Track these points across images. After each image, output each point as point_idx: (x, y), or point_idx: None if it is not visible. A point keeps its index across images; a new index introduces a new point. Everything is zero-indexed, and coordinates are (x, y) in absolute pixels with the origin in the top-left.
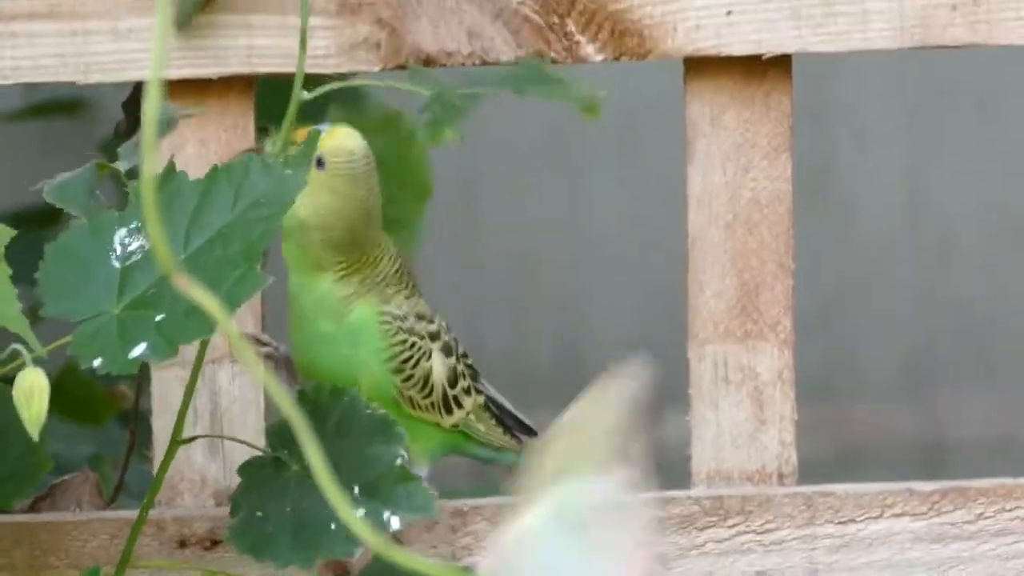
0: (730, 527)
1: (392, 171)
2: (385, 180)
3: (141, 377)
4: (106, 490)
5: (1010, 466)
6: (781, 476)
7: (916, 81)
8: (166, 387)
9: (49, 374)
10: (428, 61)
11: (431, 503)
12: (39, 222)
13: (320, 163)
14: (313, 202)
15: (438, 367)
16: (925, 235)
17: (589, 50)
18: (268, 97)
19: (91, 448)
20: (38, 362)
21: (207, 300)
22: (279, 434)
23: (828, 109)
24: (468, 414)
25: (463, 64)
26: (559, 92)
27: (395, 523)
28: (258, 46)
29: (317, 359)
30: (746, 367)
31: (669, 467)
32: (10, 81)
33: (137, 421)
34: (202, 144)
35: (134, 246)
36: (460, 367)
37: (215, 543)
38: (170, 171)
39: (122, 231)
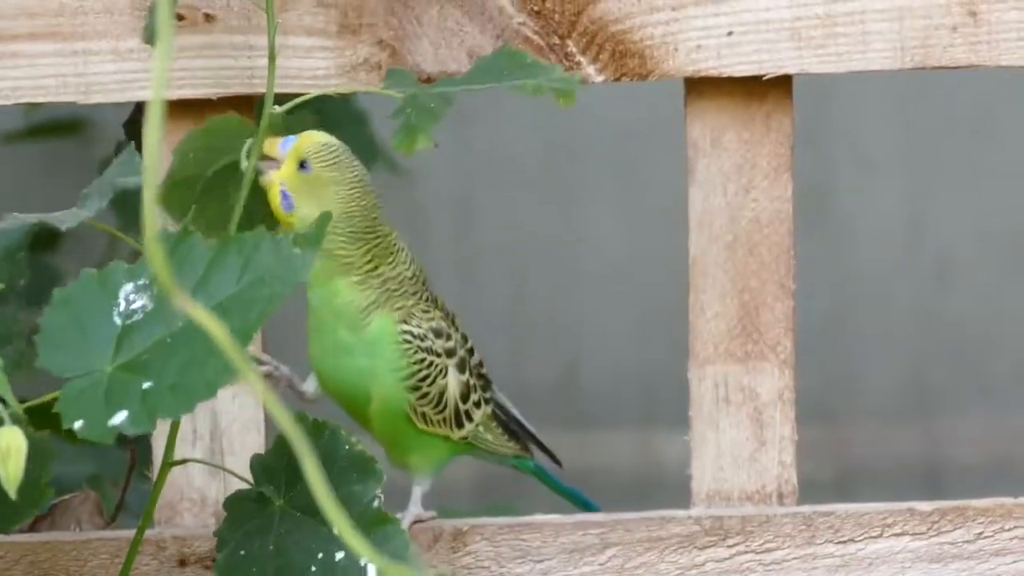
0: (730, 547)
1: None
2: None
3: None
4: (107, 509)
5: (1008, 487)
6: (781, 496)
7: (916, 104)
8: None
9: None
10: (429, 81)
11: (406, 549)
12: (40, 245)
13: (304, 165)
14: (314, 202)
15: (452, 384)
16: (924, 257)
17: (590, 71)
18: None
19: (91, 468)
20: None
21: (212, 324)
22: (264, 467)
23: (828, 132)
24: (477, 426)
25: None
26: (536, 77)
27: (371, 572)
28: (259, 67)
29: (336, 369)
30: (746, 388)
31: (669, 487)
32: (11, 101)
33: (138, 440)
34: None
35: (137, 304)
36: (473, 380)
37: (215, 562)
38: (186, 231)
39: (128, 286)
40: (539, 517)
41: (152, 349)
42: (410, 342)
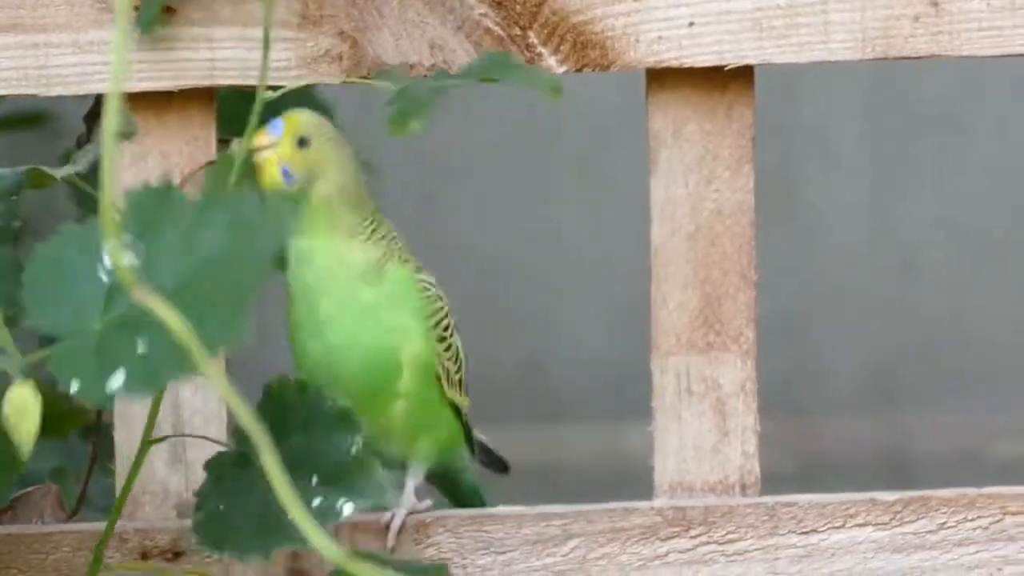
0: (692, 538)
1: None
2: None
3: None
4: (68, 503)
5: (973, 478)
6: (744, 487)
7: (881, 97)
8: (127, 399)
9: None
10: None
11: (383, 491)
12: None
13: (304, 142)
14: (317, 175)
15: (457, 338)
16: (889, 249)
17: (551, 62)
18: (230, 109)
19: (54, 461)
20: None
21: (167, 313)
22: (243, 432)
23: (794, 125)
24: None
25: (425, 76)
26: (523, 78)
27: (347, 510)
28: (220, 58)
29: (357, 336)
30: (709, 378)
31: (637, 479)
32: None
33: (99, 433)
34: (164, 156)
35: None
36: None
37: (177, 555)
38: (167, 187)
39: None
40: (502, 509)
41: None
42: (428, 289)
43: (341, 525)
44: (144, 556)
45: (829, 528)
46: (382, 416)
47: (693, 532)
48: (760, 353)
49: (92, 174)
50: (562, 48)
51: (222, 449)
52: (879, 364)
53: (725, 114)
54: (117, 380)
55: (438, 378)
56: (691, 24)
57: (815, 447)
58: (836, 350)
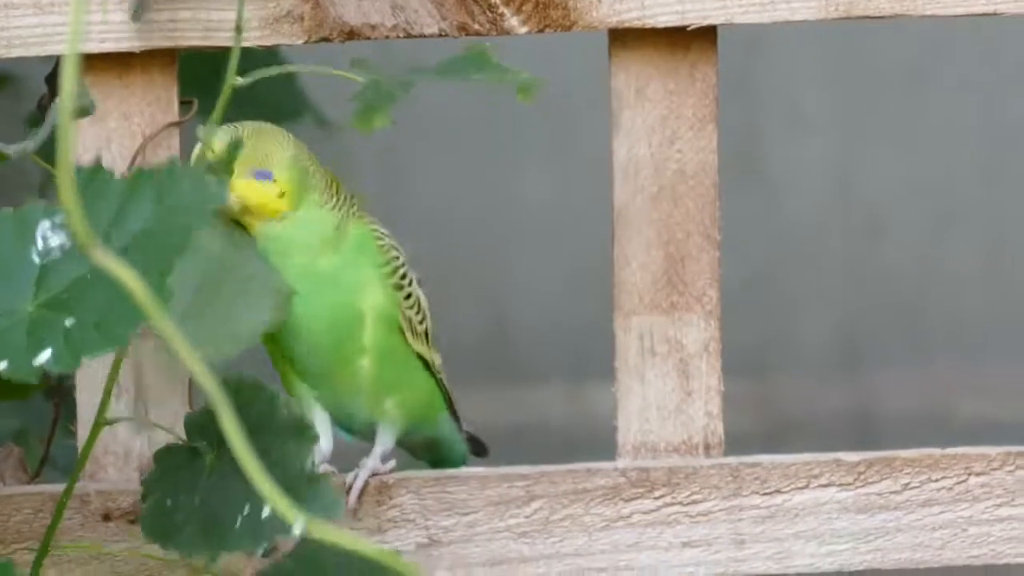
0: (656, 498)
1: None
2: None
3: None
4: (31, 464)
5: (939, 440)
6: (707, 448)
7: (846, 58)
8: (90, 362)
9: None
10: (352, 34)
11: (338, 506)
12: None
13: (264, 174)
14: (290, 165)
15: (419, 290)
16: (855, 211)
17: (513, 22)
18: (192, 70)
19: (16, 423)
20: None
21: (128, 276)
22: (198, 424)
23: (759, 86)
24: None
25: (387, 37)
26: (500, 78)
27: (298, 528)
28: (181, 19)
29: (321, 297)
30: (672, 339)
31: (595, 439)
32: None
33: (61, 395)
34: (125, 118)
35: (55, 243)
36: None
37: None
38: (97, 167)
39: (45, 224)
40: (465, 470)
41: (73, 287)
42: (383, 239)
43: None
44: (106, 518)
45: (793, 489)
46: (349, 375)
47: (657, 493)
48: (726, 315)
49: (50, 144)
50: (524, 8)
51: (171, 441)
52: (846, 326)
53: (688, 74)
54: (43, 357)
55: (401, 330)
56: None
57: (782, 408)
58: (802, 311)
